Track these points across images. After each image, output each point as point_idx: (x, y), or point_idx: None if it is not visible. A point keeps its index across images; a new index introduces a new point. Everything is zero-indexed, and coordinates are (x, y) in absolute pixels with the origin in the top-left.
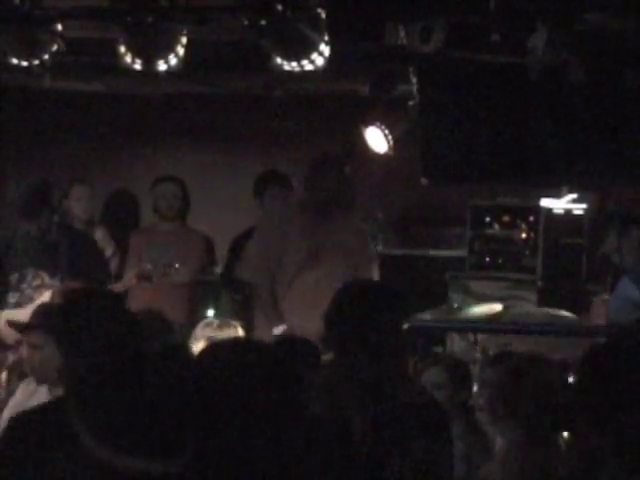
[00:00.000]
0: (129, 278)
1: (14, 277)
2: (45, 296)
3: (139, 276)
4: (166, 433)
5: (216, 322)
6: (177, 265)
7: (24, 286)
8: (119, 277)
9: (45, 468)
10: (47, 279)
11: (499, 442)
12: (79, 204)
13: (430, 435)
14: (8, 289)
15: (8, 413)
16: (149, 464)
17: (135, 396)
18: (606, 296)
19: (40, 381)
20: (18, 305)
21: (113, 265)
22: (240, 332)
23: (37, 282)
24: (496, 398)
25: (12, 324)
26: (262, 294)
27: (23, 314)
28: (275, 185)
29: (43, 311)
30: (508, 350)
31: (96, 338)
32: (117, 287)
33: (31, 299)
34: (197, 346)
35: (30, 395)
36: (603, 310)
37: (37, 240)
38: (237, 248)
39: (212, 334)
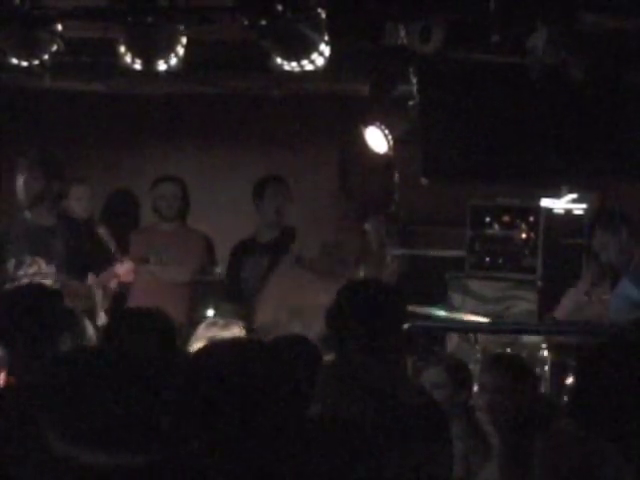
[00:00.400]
0: (126, 264)
1: (11, 264)
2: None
3: (136, 260)
4: (130, 428)
5: (220, 322)
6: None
7: (21, 273)
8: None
9: (11, 466)
10: (44, 266)
11: (499, 443)
12: (79, 204)
13: (429, 435)
14: (5, 277)
15: None
16: (113, 459)
17: (99, 392)
18: (581, 287)
19: None
20: None
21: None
22: (243, 332)
23: (34, 269)
24: (495, 402)
25: None
26: None
27: None
28: (274, 182)
29: None
30: (504, 353)
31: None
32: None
33: None
34: (199, 346)
35: None
36: (568, 302)
37: (35, 227)
38: (239, 253)
39: (215, 334)
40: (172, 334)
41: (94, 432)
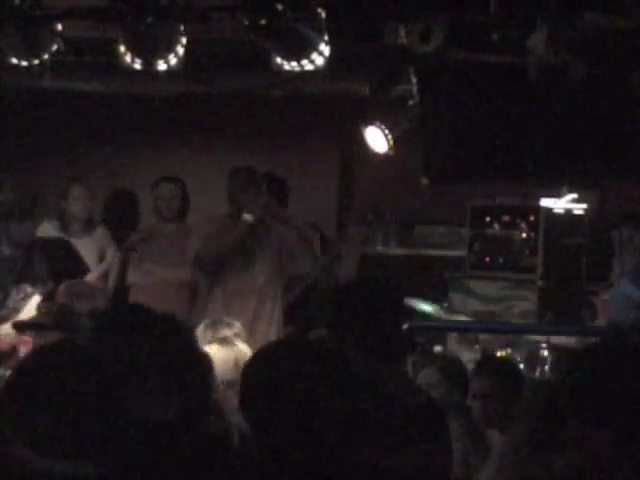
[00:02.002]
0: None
1: None
2: (31, 304)
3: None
4: (87, 434)
5: (218, 322)
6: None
7: (8, 302)
8: (121, 277)
9: None
10: (29, 289)
11: (497, 442)
12: (77, 203)
13: (428, 436)
14: None
15: None
16: (71, 466)
17: (58, 397)
18: (605, 296)
19: None
20: (3, 319)
21: (115, 265)
22: (242, 331)
23: (20, 295)
24: (486, 408)
25: (22, 326)
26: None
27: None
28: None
29: (58, 311)
30: (489, 357)
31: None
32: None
33: (16, 310)
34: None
35: None
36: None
37: (10, 259)
38: None
39: (215, 334)
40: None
41: (55, 439)
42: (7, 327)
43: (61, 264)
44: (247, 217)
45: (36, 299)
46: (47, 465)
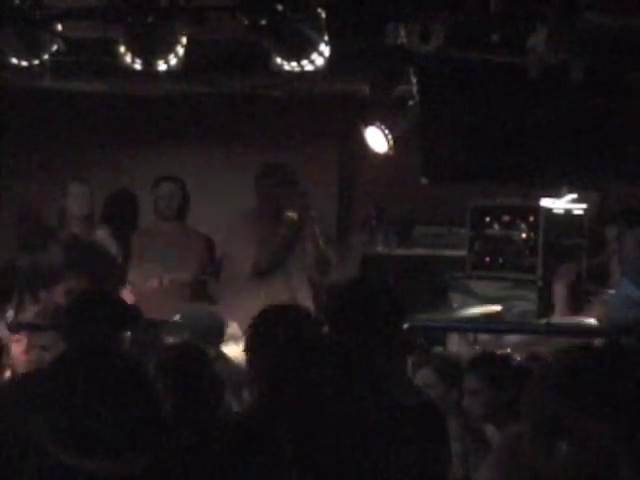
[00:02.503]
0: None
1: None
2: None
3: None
4: (126, 433)
5: None
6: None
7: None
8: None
9: (9, 470)
10: (9, 312)
11: (494, 437)
12: (76, 202)
13: (428, 436)
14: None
15: None
16: (110, 465)
17: (95, 398)
18: (605, 297)
19: None
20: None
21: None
22: (238, 331)
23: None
24: (481, 403)
25: (18, 326)
26: None
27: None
28: (267, 177)
29: (53, 313)
30: (483, 353)
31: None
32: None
33: None
34: None
35: None
36: (602, 310)
37: (33, 270)
38: None
39: None
40: None
41: (92, 439)
42: None
43: (89, 265)
44: (291, 214)
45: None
46: (86, 465)
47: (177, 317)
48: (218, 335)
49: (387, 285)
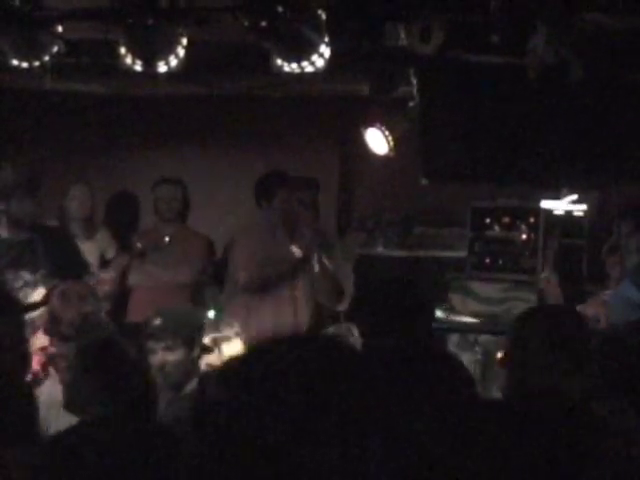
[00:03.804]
0: (119, 260)
1: None
2: (36, 294)
3: (133, 255)
4: None
5: (217, 322)
6: (166, 238)
7: (7, 289)
8: (123, 277)
9: None
10: (28, 276)
11: None
12: (75, 203)
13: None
14: None
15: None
16: None
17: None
18: (605, 297)
19: None
20: None
21: (116, 266)
22: (239, 332)
23: (19, 283)
24: None
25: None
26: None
27: None
28: (285, 190)
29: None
30: None
31: None
32: (109, 271)
33: None
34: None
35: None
36: (601, 310)
37: (13, 243)
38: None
39: (213, 335)
40: None
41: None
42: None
43: (63, 257)
44: (296, 252)
45: (40, 291)
46: None
47: (158, 321)
48: (198, 336)
49: (414, 285)
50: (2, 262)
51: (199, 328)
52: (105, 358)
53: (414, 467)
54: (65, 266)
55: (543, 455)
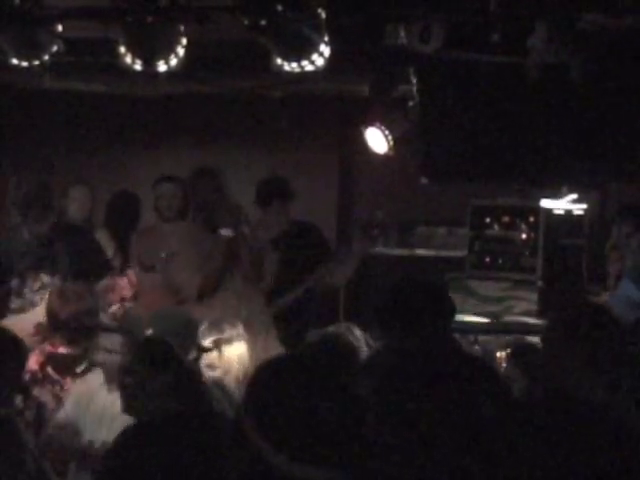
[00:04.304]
0: (133, 271)
1: (15, 282)
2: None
3: (142, 267)
4: (333, 441)
5: (220, 323)
6: (163, 254)
7: (26, 290)
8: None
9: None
10: (46, 279)
11: None
12: (75, 204)
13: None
14: (9, 295)
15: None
16: (317, 471)
17: (309, 403)
18: (605, 297)
19: (110, 381)
20: (20, 310)
21: (115, 266)
22: (242, 332)
23: (37, 285)
24: None
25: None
26: None
27: (27, 320)
28: (280, 200)
29: (129, 319)
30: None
31: None
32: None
33: (33, 303)
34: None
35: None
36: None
37: (34, 242)
38: None
39: (215, 336)
40: None
41: (305, 444)
42: (23, 318)
43: (83, 255)
44: (226, 234)
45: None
46: (301, 470)
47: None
48: (190, 337)
49: (433, 285)
50: (22, 264)
51: (190, 333)
52: (170, 361)
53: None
54: (87, 266)
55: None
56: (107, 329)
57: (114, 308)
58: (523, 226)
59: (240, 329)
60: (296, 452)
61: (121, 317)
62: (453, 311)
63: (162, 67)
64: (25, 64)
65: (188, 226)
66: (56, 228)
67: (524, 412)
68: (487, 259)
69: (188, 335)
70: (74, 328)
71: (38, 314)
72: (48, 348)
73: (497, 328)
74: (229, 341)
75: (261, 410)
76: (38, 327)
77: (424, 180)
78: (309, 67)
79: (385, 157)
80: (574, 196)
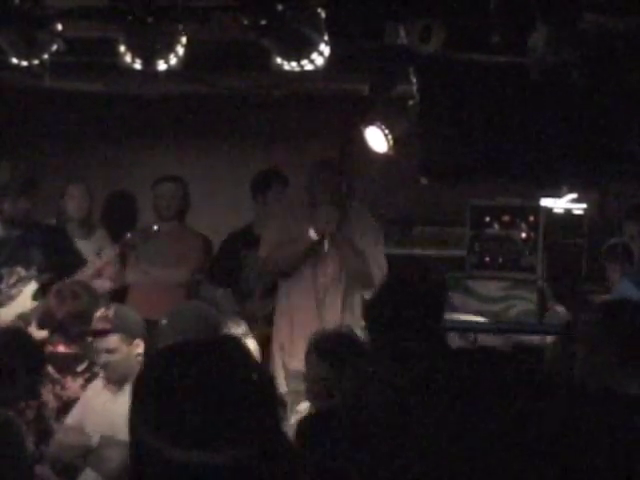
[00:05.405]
0: (109, 252)
1: None
2: (27, 290)
3: (122, 246)
4: (215, 425)
5: (227, 320)
6: (155, 227)
7: (2, 286)
8: (119, 275)
9: None
10: (23, 272)
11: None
12: (73, 203)
13: None
14: None
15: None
16: (206, 455)
17: (194, 388)
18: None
19: (112, 381)
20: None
21: (106, 256)
22: (244, 329)
23: (14, 279)
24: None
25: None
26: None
27: (7, 314)
28: (279, 184)
29: (120, 316)
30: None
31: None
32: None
33: (10, 297)
34: None
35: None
36: None
37: (8, 239)
38: (229, 244)
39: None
40: None
41: (189, 429)
42: (2, 312)
43: (58, 253)
44: (312, 235)
45: (32, 286)
46: (182, 455)
47: (164, 321)
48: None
49: (425, 284)
50: None
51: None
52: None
53: None
54: (60, 262)
55: None
56: (101, 332)
57: (102, 310)
58: (523, 226)
59: (244, 327)
60: (177, 436)
61: (114, 316)
62: (441, 307)
63: (162, 66)
64: (25, 63)
65: (183, 227)
66: (29, 225)
67: (576, 406)
68: (487, 259)
69: (208, 332)
70: (70, 329)
71: (19, 305)
72: (48, 348)
73: (497, 327)
74: None
75: (143, 397)
76: (19, 317)
77: (424, 180)
78: (309, 66)
79: (385, 156)
80: (574, 196)
